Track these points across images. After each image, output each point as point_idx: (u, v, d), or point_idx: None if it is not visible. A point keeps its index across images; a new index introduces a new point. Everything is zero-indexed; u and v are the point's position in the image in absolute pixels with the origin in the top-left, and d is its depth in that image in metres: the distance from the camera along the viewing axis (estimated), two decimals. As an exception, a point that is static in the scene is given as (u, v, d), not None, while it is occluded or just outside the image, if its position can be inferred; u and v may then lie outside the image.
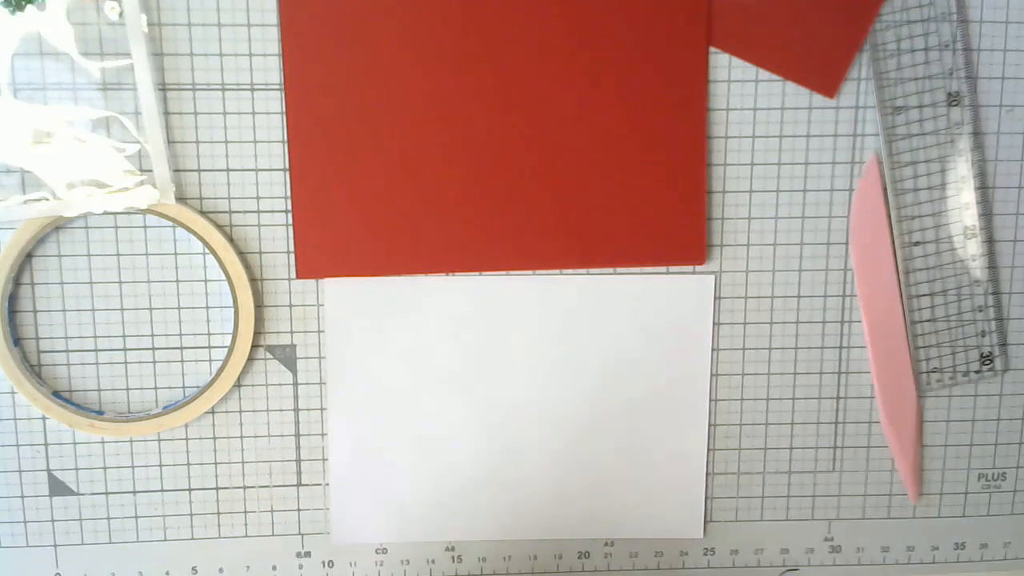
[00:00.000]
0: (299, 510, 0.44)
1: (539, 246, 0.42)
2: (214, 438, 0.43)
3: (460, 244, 0.42)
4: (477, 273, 0.43)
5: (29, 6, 0.39)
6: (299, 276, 0.42)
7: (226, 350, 0.42)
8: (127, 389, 0.43)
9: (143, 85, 0.39)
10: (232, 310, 0.42)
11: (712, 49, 0.42)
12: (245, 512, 0.44)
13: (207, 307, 0.42)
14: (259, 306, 0.42)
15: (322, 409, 0.44)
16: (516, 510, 0.45)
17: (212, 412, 0.43)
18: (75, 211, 0.40)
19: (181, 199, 0.41)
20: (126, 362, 0.42)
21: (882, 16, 0.42)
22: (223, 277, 0.42)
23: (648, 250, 0.43)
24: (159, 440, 0.43)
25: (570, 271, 0.43)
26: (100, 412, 0.42)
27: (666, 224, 0.42)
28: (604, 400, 0.44)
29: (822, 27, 0.41)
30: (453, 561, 0.45)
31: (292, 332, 0.43)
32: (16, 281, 0.41)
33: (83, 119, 0.40)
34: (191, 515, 0.44)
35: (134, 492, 0.44)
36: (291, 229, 0.42)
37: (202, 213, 0.41)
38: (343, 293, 0.42)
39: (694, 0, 0.41)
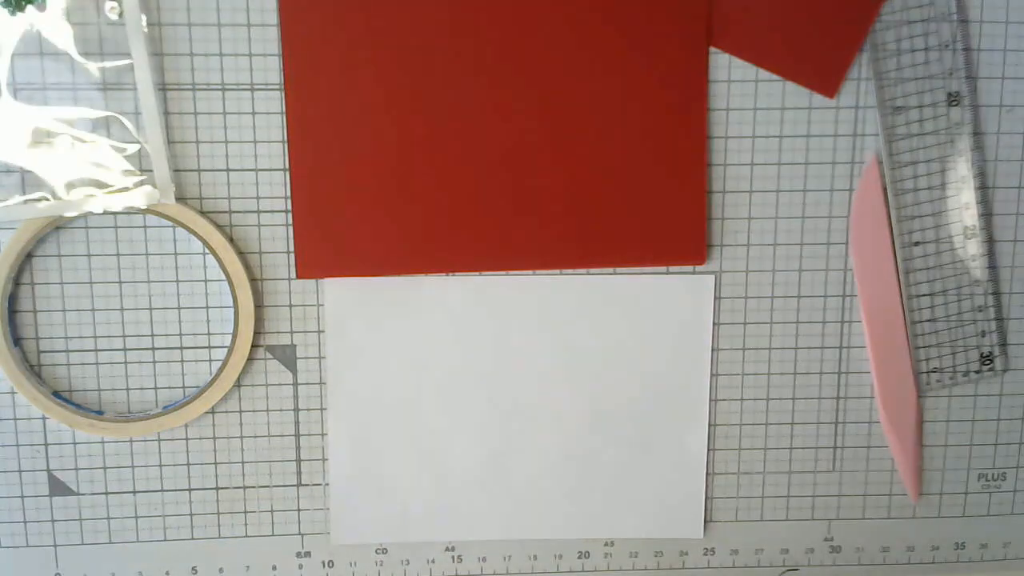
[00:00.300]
0: (299, 510, 0.44)
1: (539, 246, 0.42)
2: (214, 438, 0.43)
3: (460, 244, 0.42)
4: (477, 273, 0.43)
5: (29, 6, 0.39)
6: (299, 276, 0.42)
7: (226, 350, 0.42)
8: (127, 389, 0.43)
9: (143, 85, 0.39)
10: (232, 310, 0.42)
11: (712, 49, 0.42)
12: (245, 512, 0.44)
13: (207, 307, 0.42)
14: (259, 306, 0.42)
15: (322, 409, 0.44)
16: (516, 510, 0.45)
17: (212, 412, 0.43)
18: (75, 211, 0.40)
19: (181, 199, 0.41)
20: (126, 362, 0.42)
21: (882, 16, 0.42)
22: (223, 277, 0.42)
23: (648, 250, 0.43)
24: (159, 440, 0.43)
25: (570, 271, 0.43)
26: (100, 412, 0.42)
27: (666, 224, 0.42)
28: (604, 400, 0.44)
29: (822, 27, 0.41)
30: (453, 561, 0.45)
31: (292, 332, 0.43)
32: (16, 281, 0.41)
33: (83, 119, 0.40)
34: (191, 515, 0.44)
35: (134, 492, 0.44)
36: (291, 229, 0.42)
37: (202, 213, 0.41)
38: (343, 293, 0.42)
39: (694, 0, 0.41)
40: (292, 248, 0.42)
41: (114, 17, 0.39)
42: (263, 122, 0.41)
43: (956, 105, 0.42)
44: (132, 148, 0.40)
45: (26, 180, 0.40)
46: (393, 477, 0.44)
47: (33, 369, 0.42)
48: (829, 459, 0.45)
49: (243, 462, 0.44)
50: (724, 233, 0.43)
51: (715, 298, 0.44)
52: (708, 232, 0.43)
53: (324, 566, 0.45)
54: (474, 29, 0.40)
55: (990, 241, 0.44)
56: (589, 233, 0.42)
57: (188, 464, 0.44)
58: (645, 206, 0.42)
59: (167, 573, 0.44)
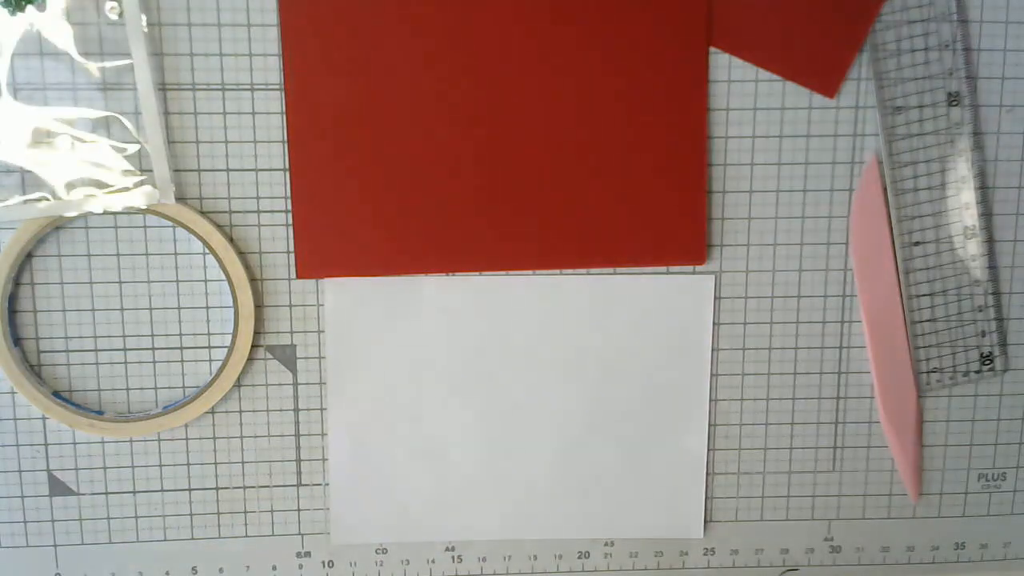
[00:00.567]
0: (299, 510, 0.44)
1: (539, 246, 0.42)
2: (214, 438, 0.43)
3: (460, 244, 0.42)
4: (477, 273, 0.43)
5: (29, 6, 0.39)
6: (299, 276, 0.42)
7: (226, 350, 0.42)
8: (127, 389, 0.43)
9: (143, 85, 0.39)
10: (232, 310, 0.42)
11: (712, 49, 0.42)
12: (245, 512, 0.44)
13: (207, 307, 0.42)
14: (259, 306, 0.42)
15: (322, 409, 0.43)
16: (516, 510, 0.45)
17: (212, 412, 0.43)
18: (75, 211, 0.40)
19: (181, 199, 0.41)
20: (126, 362, 0.42)
21: (882, 16, 0.42)
22: (223, 277, 0.42)
23: (648, 250, 0.43)
24: (159, 440, 0.43)
25: (570, 271, 0.43)
26: (100, 412, 0.42)
27: (666, 224, 0.42)
28: (604, 400, 0.44)
29: (822, 27, 0.41)
30: (453, 561, 0.45)
31: (292, 332, 0.43)
32: (16, 281, 0.41)
33: (83, 119, 0.40)
34: (191, 515, 0.44)
35: (134, 492, 0.44)
36: (291, 229, 0.42)
37: (202, 213, 0.41)
38: (343, 293, 0.42)
39: (694, 0, 0.41)
40: (292, 248, 0.42)
41: (114, 17, 0.39)
42: (263, 122, 0.41)
43: (956, 105, 0.42)
44: (132, 148, 0.40)
45: (26, 180, 0.40)
46: (393, 477, 0.44)
47: (33, 369, 0.42)
48: (829, 459, 0.45)
49: (243, 462, 0.44)
50: (724, 233, 0.43)
51: (715, 298, 0.44)
52: (708, 232, 0.43)
53: (324, 566, 0.45)
54: (474, 29, 0.40)
55: (990, 241, 0.44)
56: (589, 233, 0.42)
57: (188, 464, 0.44)
58: (645, 206, 0.42)
59: (167, 573, 0.44)
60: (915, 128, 0.42)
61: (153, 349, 0.42)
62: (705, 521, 0.46)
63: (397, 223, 0.42)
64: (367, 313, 0.43)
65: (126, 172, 0.40)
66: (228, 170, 0.41)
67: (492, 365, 0.44)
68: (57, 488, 0.43)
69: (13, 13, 0.38)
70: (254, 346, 0.42)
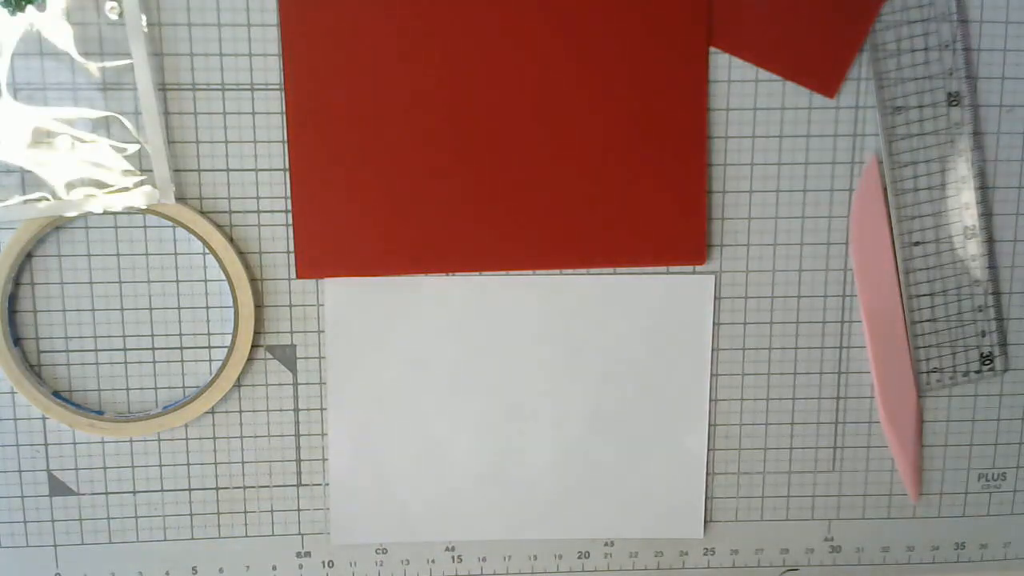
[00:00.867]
0: (299, 510, 0.44)
1: (539, 246, 0.42)
2: (214, 438, 0.43)
3: (460, 244, 0.42)
4: (477, 273, 0.43)
5: (29, 6, 0.39)
6: (299, 276, 0.42)
7: (226, 350, 0.42)
8: (127, 389, 0.43)
9: (143, 85, 0.39)
10: (232, 310, 0.42)
11: (712, 49, 0.42)
12: (245, 512, 0.44)
13: (207, 307, 0.42)
14: (259, 306, 0.42)
15: (322, 409, 0.44)
16: (516, 510, 0.45)
17: (212, 412, 0.43)
18: (75, 211, 0.40)
19: (181, 199, 0.41)
20: (126, 362, 0.42)
21: (882, 16, 0.42)
22: (223, 277, 0.42)
23: (648, 250, 0.43)
24: (159, 440, 0.43)
25: (570, 271, 0.43)
26: (100, 412, 0.42)
27: (666, 224, 0.42)
28: (604, 400, 0.44)
29: (822, 27, 0.41)
30: (453, 561, 0.45)
31: (292, 332, 0.43)
32: (16, 281, 0.41)
33: (83, 119, 0.40)
34: (191, 515, 0.44)
35: (134, 492, 0.44)
36: (291, 229, 0.42)
37: (202, 213, 0.41)
38: (343, 293, 0.42)
39: (694, 0, 0.41)
40: (292, 248, 0.42)
41: (114, 17, 0.39)
42: (263, 122, 0.41)
43: (956, 105, 0.42)
44: (132, 148, 0.40)
45: (26, 180, 0.40)
46: (393, 477, 0.44)
47: (33, 369, 0.42)
48: (829, 459, 0.45)
49: (243, 462, 0.44)
50: (724, 233, 0.43)
51: (715, 298, 0.44)
52: (708, 232, 0.43)
53: (324, 566, 0.45)
54: (474, 29, 0.40)
55: (990, 241, 0.44)
56: (589, 233, 0.42)
57: (188, 464, 0.44)
58: (645, 206, 0.42)
59: (167, 573, 0.44)
60: (915, 128, 0.42)
61: (153, 349, 0.42)
62: (705, 521, 0.46)
63: (397, 223, 0.42)
64: (367, 313, 0.43)
65: (126, 172, 0.40)
66: (228, 170, 0.41)
67: (492, 365, 0.44)
68: (57, 488, 0.43)
69: (13, 13, 0.38)
70: (254, 346, 0.42)
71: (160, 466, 0.43)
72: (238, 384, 0.43)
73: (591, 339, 0.44)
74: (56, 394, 0.42)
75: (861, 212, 0.43)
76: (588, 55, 0.41)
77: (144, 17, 0.39)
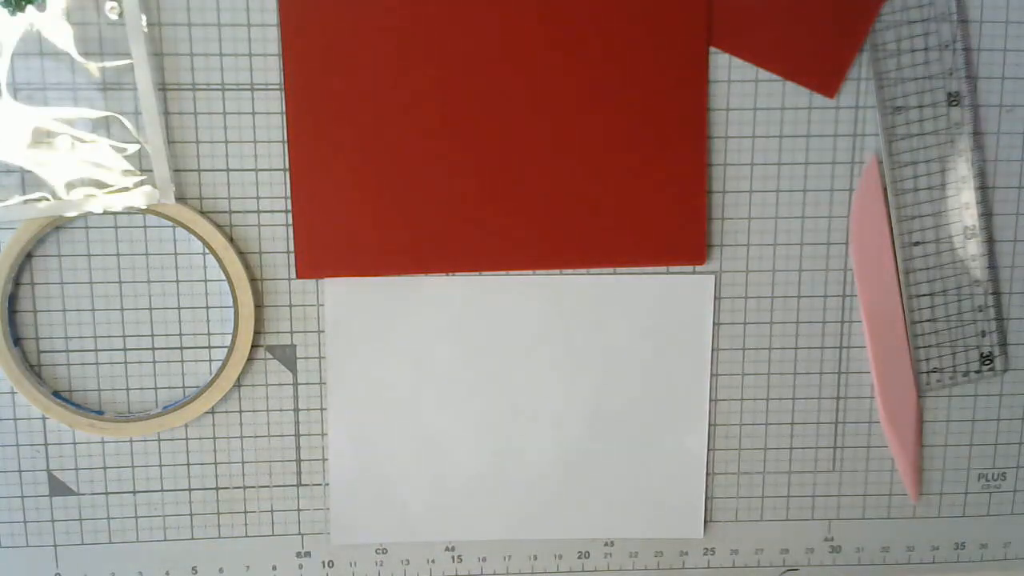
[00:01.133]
0: (299, 510, 0.44)
1: (539, 246, 0.42)
2: (214, 438, 0.43)
3: (460, 244, 0.42)
4: (477, 273, 0.43)
5: (29, 6, 0.39)
6: (299, 276, 0.42)
7: (226, 350, 0.42)
8: (127, 389, 0.43)
9: (143, 85, 0.39)
10: (232, 310, 0.42)
11: (712, 49, 0.42)
12: (245, 512, 0.44)
13: (207, 307, 0.42)
14: (259, 306, 0.42)
15: (322, 409, 0.44)
16: (516, 510, 0.45)
17: (212, 412, 0.43)
18: (75, 211, 0.40)
19: (181, 199, 0.41)
20: (126, 362, 0.42)
21: (882, 16, 0.42)
22: (223, 277, 0.42)
23: (648, 250, 0.43)
24: (159, 440, 0.43)
25: (570, 271, 0.43)
26: (100, 412, 0.42)
27: (666, 224, 0.42)
28: (604, 400, 0.44)
29: (822, 27, 0.41)
30: (453, 561, 0.45)
31: (292, 332, 0.43)
32: (16, 281, 0.41)
33: (83, 119, 0.40)
34: (191, 515, 0.44)
35: (134, 492, 0.44)
36: (291, 229, 0.42)
37: (202, 213, 0.41)
38: (343, 293, 0.42)
39: (694, 0, 0.41)
40: (292, 248, 0.42)
41: (114, 17, 0.39)
42: (263, 122, 0.41)
43: (956, 105, 0.42)
44: (132, 148, 0.40)
45: (26, 180, 0.40)
46: (393, 477, 0.44)
47: (33, 369, 0.42)
48: (829, 459, 0.45)
49: (243, 462, 0.44)
50: (724, 233, 0.43)
51: (715, 298, 0.44)
52: (708, 232, 0.43)
53: (324, 566, 0.45)
54: (474, 29, 0.40)
55: (990, 241, 0.44)
56: (589, 233, 0.42)
57: (188, 464, 0.44)
58: (645, 206, 0.42)
59: (167, 573, 0.44)
60: (915, 128, 0.42)
61: (153, 349, 0.42)
62: (705, 521, 0.46)
63: (397, 223, 0.42)
64: (367, 313, 0.43)
65: (126, 172, 0.40)
66: (228, 170, 0.41)
67: (492, 365, 0.44)
68: (57, 488, 0.43)
69: (13, 13, 0.38)
70: (254, 346, 0.42)
71: (160, 466, 0.43)
72: (238, 384, 0.43)
73: (591, 339, 0.44)
74: (56, 394, 0.42)
75: (861, 212, 0.43)
76: (588, 55, 0.41)
77: (144, 17, 0.39)
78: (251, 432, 0.43)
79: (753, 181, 0.43)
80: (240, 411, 0.43)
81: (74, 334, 0.42)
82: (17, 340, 0.42)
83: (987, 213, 0.44)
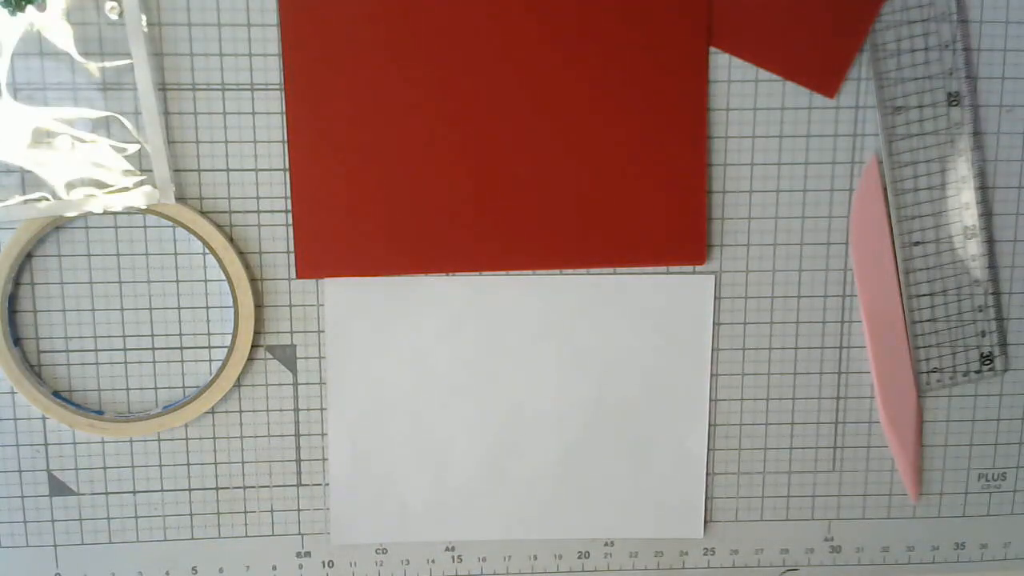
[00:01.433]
0: (299, 510, 0.44)
1: (539, 246, 0.42)
2: (214, 438, 0.43)
3: (460, 244, 0.42)
4: (477, 273, 0.43)
5: (29, 6, 0.39)
6: (299, 276, 0.42)
7: (226, 350, 0.42)
8: (127, 389, 0.43)
9: (143, 85, 0.39)
10: (232, 310, 0.42)
11: (712, 49, 0.42)
12: (245, 512, 0.44)
13: (207, 307, 0.42)
14: (259, 306, 0.42)
15: (322, 409, 0.44)
16: (516, 510, 0.45)
17: (212, 412, 0.43)
18: (75, 211, 0.40)
19: (181, 199, 0.41)
20: (126, 362, 0.42)
21: (882, 16, 0.42)
22: (223, 277, 0.42)
23: (648, 250, 0.43)
24: (159, 440, 0.43)
25: (570, 271, 0.43)
26: (100, 412, 0.42)
27: (666, 224, 0.42)
28: (604, 400, 0.44)
29: (822, 27, 0.41)
30: (453, 561, 0.45)
31: (292, 332, 0.43)
32: (16, 281, 0.41)
33: (83, 119, 0.40)
34: (191, 515, 0.44)
35: (134, 492, 0.44)
36: (291, 229, 0.42)
37: (202, 213, 0.41)
38: (343, 293, 0.42)
39: (694, 0, 0.41)
40: (292, 248, 0.42)
41: (114, 17, 0.39)
42: (263, 122, 0.41)
43: (956, 105, 0.42)
44: (132, 148, 0.40)
45: (26, 180, 0.40)
46: (393, 477, 0.44)
47: (33, 369, 0.42)
48: (829, 459, 0.45)
49: (243, 462, 0.44)
50: (724, 233, 0.43)
51: (715, 298, 0.44)
52: (708, 232, 0.43)
53: (324, 566, 0.45)
54: (474, 29, 0.40)
55: (990, 241, 0.44)
56: (589, 233, 0.42)
57: (188, 464, 0.44)
58: (645, 206, 0.42)
59: (167, 573, 0.44)
60: (915, 128, 0.42)
61: (153, 349, 0.42)
62: (705, 521, 0.46)
63: (397, 223, 0.42)
64: (367, 313, 0.43)
65: (126, 172, 0.40)
66: (228, 170, 0.41)
67: (492, 365, 0.44)
68: (57, 488, 0.43)
69: (13, 13, 0.38)
70: (254, 346, 0.42)
71: (160, 466, 0.43)
72: (238, 384, 0.43)
73: (591, 339, 0.44)
74: (56, 394, 0.42)
75: (861, 212, 0.43)
76: (588, 55, 0.41)
77: (144, 17, 0.39)
78: (251, 432, 0.43)
79: (753, 181, 0.43)
80: (240, 411, 0.43)
81: (74, 334, 0.42)
82: (17, 340, 0.42)
83: (987, 213, 0.44)
